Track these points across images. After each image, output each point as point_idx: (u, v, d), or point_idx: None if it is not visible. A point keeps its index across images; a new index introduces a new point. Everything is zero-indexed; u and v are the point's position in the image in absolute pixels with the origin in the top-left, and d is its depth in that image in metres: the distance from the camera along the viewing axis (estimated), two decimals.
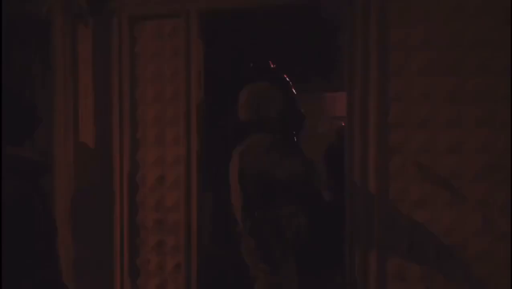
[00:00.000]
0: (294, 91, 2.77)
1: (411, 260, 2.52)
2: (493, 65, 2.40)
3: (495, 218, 2.38)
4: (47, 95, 3.15)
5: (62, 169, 3.11)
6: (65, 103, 3.12)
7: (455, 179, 2.45)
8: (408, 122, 2.53)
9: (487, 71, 2.42)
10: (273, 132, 2.65)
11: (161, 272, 3.05)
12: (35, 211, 1.93)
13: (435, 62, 2.48)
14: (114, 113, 3.13)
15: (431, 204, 2.50)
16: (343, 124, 2.76)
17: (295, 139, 2.75)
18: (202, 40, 2.98)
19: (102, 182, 3.12)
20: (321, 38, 3.93)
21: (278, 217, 2.53)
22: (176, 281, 3.03)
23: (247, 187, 2.59)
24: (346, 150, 2.67)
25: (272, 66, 2.78)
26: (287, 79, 2.75)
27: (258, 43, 3.59)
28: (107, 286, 3.14)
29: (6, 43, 3.14)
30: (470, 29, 2.43)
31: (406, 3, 2.52)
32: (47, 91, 3.16)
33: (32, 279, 1.90)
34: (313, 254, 2.59)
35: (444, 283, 2.47)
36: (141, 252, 3.07)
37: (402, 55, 2.53)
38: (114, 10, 3.08)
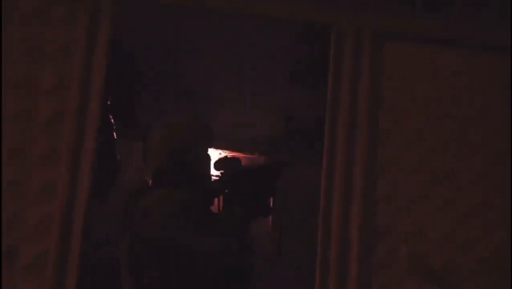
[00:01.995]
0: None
1: None
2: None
3: None
4: None
5: None
6: None
7: (449, 273, 2.11)
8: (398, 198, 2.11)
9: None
10: (192, 186, 1.92)
11: None
12: None
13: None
14: None
15: None
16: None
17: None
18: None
19: None
20: None
21: None
22: None
23: (141, 274, 1.79)
24: (320, 228, 2.06)
25: None
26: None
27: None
28: None
29: None
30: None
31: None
32: None
33: None
34: None
35: None
36: None
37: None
38: None
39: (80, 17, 1.87)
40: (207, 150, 2.11)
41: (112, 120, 2.40)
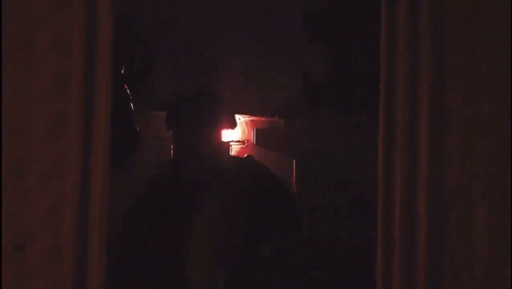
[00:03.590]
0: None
1: None
2: None
3: None
4: None
5: None
6: None
7: None
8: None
9: None
10: None
11: None
12: None
13: None
14: None
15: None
16: None
17: None
18: None
19: None
20: None
21: None
22: None
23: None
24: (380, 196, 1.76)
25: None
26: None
27: None
28: None
29: None
30: None
31: None
32: None
33: None
34: None
35: None
36: None
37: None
38: None
39: None
40: None
41: (128, 90, 2.37)
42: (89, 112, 1.54)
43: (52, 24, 1.49)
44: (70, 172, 1.50)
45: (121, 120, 2.31)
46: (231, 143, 4.85)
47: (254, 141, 4.53)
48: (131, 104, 2.39)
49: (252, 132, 4.49)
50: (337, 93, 4.49)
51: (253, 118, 4.64)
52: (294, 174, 4.60)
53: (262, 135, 4.54)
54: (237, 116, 4.35)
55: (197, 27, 4.30)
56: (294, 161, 4.53)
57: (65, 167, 1.48)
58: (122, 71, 2.43)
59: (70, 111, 1.52)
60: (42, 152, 1.51)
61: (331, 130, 4.68)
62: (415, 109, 1.63)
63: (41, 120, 1.49)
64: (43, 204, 1.50)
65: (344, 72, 4.43)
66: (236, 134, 4.40)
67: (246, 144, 4.55)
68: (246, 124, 4.45)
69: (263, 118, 4.93)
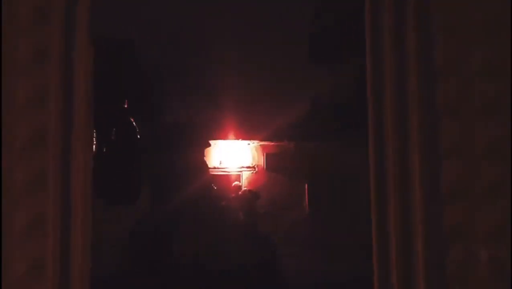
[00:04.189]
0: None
1: None
2: None
3: None
4: None
5: None
6: None
7: None
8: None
9: None
10: None
11: None
12: None
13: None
14: None
15: None
16: None
17: None
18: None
19: None
20: None
21: None
22: None
23: None
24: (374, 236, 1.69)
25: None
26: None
27: None
28: None
29: None
30: None
31: None
32: None
33: None
34: None
35: None
36: None
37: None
38: None
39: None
40: None
41: (133, 122, 2.39)
42: (65, 170, 1.50)
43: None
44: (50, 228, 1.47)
45: (128, 155, 2.30)
46: (241, 169, 4.81)
47: (265, 166, 4.47)
48: (138, 136, 2.38)
49: (262, 157, 4.44)
50: (347, 110, 4.42)
51: (262, 143, 4.60)
52: (306, 198, 4.53)
53: (272, 160, 4.49)
54: (246, 142, 4.33)
55: (206, 56, 4.29)
56: (306, 184, 4.46)
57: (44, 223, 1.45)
58: (126, 105, 2.41)
59: (48, 167, 1.49)
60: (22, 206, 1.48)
61: (342, 150, 4.61)
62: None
63: (19, 178, 1.47)
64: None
65: (351, 89, 4.37)
66: (246, 160, 4.36)
67: (256, 169, 4.50)
68: (256, 149, 4.41)
69: (273, 143, 4.88)
